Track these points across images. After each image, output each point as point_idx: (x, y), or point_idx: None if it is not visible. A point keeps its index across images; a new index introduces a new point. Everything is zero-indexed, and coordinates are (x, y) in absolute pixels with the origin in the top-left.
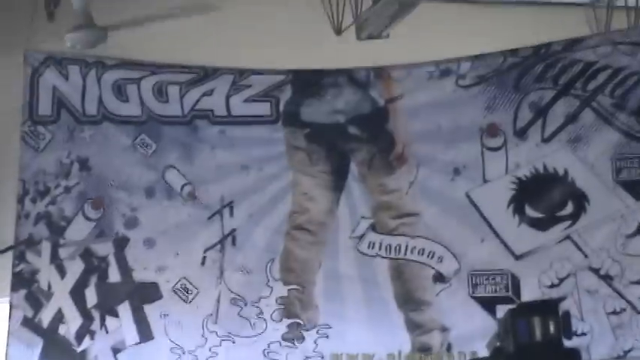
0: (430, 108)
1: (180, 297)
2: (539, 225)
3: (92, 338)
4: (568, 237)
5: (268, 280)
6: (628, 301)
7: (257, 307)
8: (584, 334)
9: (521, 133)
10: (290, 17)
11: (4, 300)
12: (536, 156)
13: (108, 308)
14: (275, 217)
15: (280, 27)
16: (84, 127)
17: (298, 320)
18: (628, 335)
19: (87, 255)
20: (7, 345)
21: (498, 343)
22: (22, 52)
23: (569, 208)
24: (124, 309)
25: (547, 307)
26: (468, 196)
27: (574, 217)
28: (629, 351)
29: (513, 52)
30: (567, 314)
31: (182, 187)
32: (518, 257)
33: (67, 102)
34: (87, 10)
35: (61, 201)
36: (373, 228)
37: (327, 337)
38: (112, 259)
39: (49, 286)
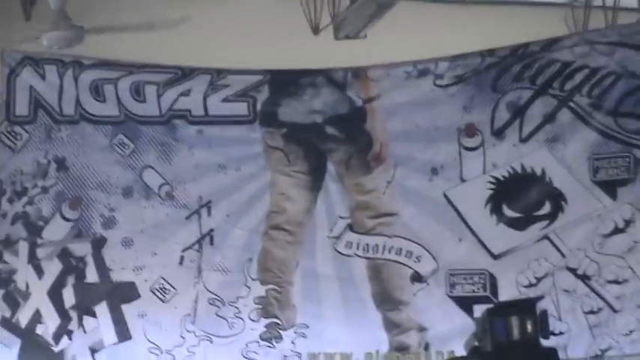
0: (408, 108)
1: (158, 297)
2: (517, 225)
3: (70, 338)
4: (545, 237)
5: (246, 280)
6: (605, 301)
7: (235, 306)
8: (561, 333)
9: (499, 133)
10: (268, 17)
11: None
12: (514, 156)
13: (85, 308)
14: (253, 216)
15: (258, 27)
16: (61, 127)
17: (276, 320)
18: (605, 334)
19: (64, 255)
20: None
21: (476, 343)
22: None
23: (546, 208)
24: (102, 309)
25: (524, 307)
26: (445, 195)
27: (551, 216)
28: (607, 350)
29: (491, 52)
30: (545, 313)
31: (160, 187)
32: (495, 257)
33: (44, 102)
34: (64, 9)
35: (39, 201)
36: (351, 228)
37: (304, 336)
38: (89, 259)
39: (27, 286)
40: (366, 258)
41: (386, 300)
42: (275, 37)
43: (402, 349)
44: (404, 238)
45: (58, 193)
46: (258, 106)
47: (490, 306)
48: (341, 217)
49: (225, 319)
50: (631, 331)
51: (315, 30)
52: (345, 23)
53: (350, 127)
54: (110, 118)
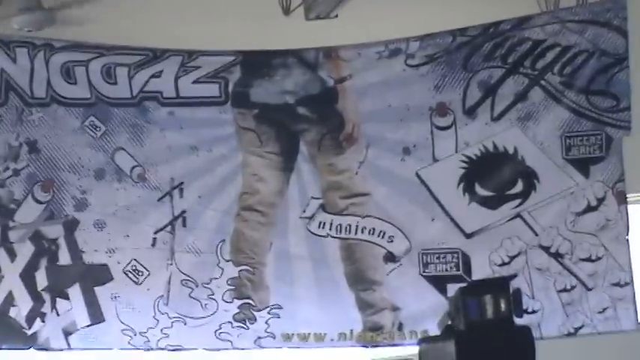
0: (379, 88)
1: (131, 279)
2: (490, 203)
3: (43, 321)
4: (518, 215)
5: (219, 262)
6: (578, 279)
7: (208, 288)
8: (534, 311)
9: (471, 112)
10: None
11: None
12: (486, 135)
13: (58, 291)
14: (225, 198)
15: (229, 8)
16: (32, 109)
17: (249, 301)
18: (578, 312)
19: (37, 237)
20: None
21: (449, 322)
22: None
23: (519, 187)
24: (75, 291)
25: (498, 285)
26: (417, 175)
27: (524, 195)
28: (580, 328)
29: (462, 31)
30: (518, 292)
31: (132, 169)
32: (468, 236)
33: (15, 85)
34: None
35: (10, 184)
36: (323, 208)
37: (278, 317)
38: (62, 242)
39: (0, 269)
40: (339, 238)
41: (359, 280)
42: (246, 18)
43: (376, 328)
44: (377, 218)
45: (30, 175)
46: (230, 88)
47: (463, 285)
48: (313, 198)
49: (198, 300)
50: (604, 309)
51: (286, 11)
52: (316, 3)
53: (322, 108)
54: (81, 100)
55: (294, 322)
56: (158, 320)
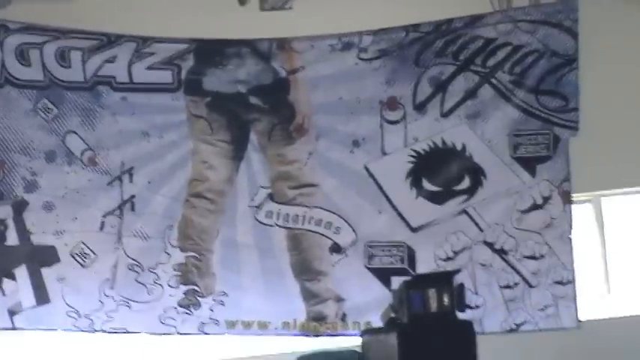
0: (331, 80)
1: (78, 261)
2: (436, 198)
3: None
4: (464, 211)
5: (166, 247)
6: (521, 276)
7: (154, 273)
8: (477, 306)
9: (421, 108)
10: None
11: None
12: (435, 130)
13: (5, 271)
14: (174, 184)
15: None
16: None
17: (195, 287)
18: (520, 309)
19: None
20: None
21: (393, 314)
22: None
23: (465, 183)
24: (21, 272)
25: (442, 280)
26: (366, 168)
27: (470, 191)
28: (521, 324)
29: (415, 27)
30: (461, 287)
31: (82, 153)
32: (414, 230)
33: None
34: None
35: None
36: (271, 197)
37: (222, 304)
38: (10, 222)
39: None
40: (286, 228)
41: (304, 270)
42: (201, 7)
43: (320, 318)
44: (324, 209)
45: None
46: (183, 75)
47: (408, 278)
48: (262, 187)
49: (144, 284)
50: (546, 307)
51: (242, 1)
52: None
53: (273, 98)
54: (35, 83)
55: (238, 310)
56: (103, 303)
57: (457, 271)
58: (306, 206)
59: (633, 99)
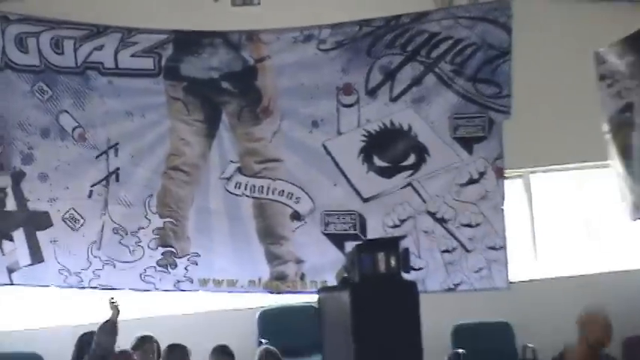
0: (294, 68)
1: (69, 225)
2: (385, 173)
3: None
4: (409, 184)
5: (147, 213)
6: (459, 241)
7: (136, 236)
8: (420, 268)
9: (372, 93)
10: None
11: None
12: (385, 113)
13: (4, 233)
14: (154, 158)
15: None
16: None
17: (172, 249)
18: (458, 271)
19: None
20: None
21: (345, 274)
22: None
23: (411, 159)
24: (19, 234)
25: (389, 245)
26: (324, 146)
27: (415, 167)
28: (459, 284)
29: (367, 22)
30: (406, 251)
31: (73, 130)
32: (365, 200)
33: None
34: None
35: None
36: (240, 171)
37: (196, 264)
38: (9, 191)
39: None
40: (253, 198)
41: (268, 235)
42: (179, 2)
43: (281, 278)
44: (286, 182)
45: None
46: (163, 62)
47: (359, 243)
48: (232, 162)
49: (127, 246)
50: (480, 269)
51: None
52: None
53: (242, 83)
54: (32, 67)
55: (210, 270)
56: (91, 263)
57: (403, 237)
58: (271, 179)
59: (558, 87)
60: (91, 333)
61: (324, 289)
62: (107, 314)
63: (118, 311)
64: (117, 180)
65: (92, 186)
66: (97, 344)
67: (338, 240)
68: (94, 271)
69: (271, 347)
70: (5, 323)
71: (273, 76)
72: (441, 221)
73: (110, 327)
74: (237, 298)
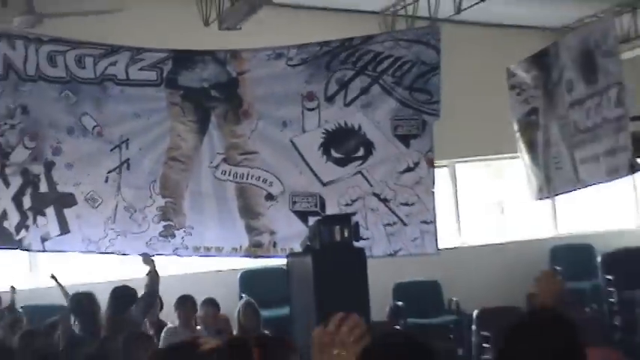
0: (268, 80)
1: (90, 204)
2: (340, 162)
3: (27, 230)
4: (359, 172)
5: (151, 195)
6: (398, 217)
7: (143, 212)
8: (367, 238)
9: (330, 99)
10: (174, 12)
11: None
12: (340, 115)
13: (38, 210)
14: (157, 151)
15: (166, 20)
16: (25, 83)
17: (171, 223)
18: (397, 240)
19: (25, 173)
20: None
21: (309, 243)
22: None
23: (360, 152)
24: (50, 211)
25: (343, 220)
26: (291, 141)
27: (364, 158)
28: (398, 251)
29: (327, 43)
30: (356, 225)
31: (93, 128)
32: (324, 184)
33: (13, 66)
34: (30, 1)
35: (8, 134)
36: (225, 161)
37: (190, 234)
38: (42, 177)
39: None
40: (235, 182)
41: (248, 212)
42: (178, 26)
43: (258, 245)
44: (261, 169)
45: (22, 129)
46: (164, 74)
47: (319, 218)
48: (219, 153)
49: (135, 221)
50: (415, 239)
51: (206, 22)
52: (227, 18)
53: (227, 92)
54: (60, 79)
55: (201, 239)
56: (107, 233)
57: (353, 214)
58: (249, 167)
59: (478, 95)
60: (124, 287)
61: (292, 255)
62: (146, 268)
63: (154, 263)
64: (127, 168)
65: (108, 173)
66: (150, 289)
67: (303, 216)
68: (109, 240)
69: (250, 299)
70: (44, 281)
71: (252, 86)
72: (384, 201)
73: (154, 275)
74: (223, 262)
